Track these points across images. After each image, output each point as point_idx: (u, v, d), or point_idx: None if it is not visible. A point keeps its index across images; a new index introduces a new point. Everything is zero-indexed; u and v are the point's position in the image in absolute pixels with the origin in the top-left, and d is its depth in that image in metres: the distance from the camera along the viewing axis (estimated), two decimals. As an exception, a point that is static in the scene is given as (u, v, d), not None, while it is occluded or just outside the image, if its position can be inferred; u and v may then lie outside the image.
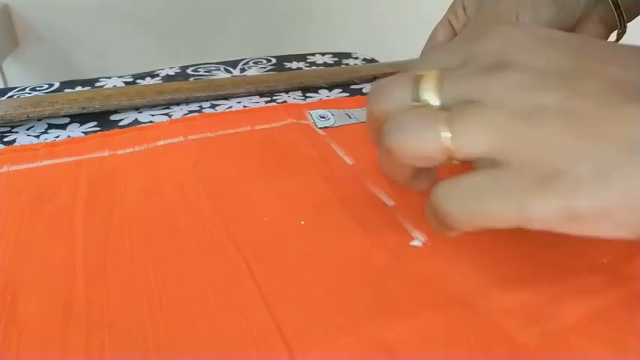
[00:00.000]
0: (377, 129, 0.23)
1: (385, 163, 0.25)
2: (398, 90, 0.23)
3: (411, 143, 0.21)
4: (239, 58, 0.54)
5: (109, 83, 0.48)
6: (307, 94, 0.45)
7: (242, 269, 0.25)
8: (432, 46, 0.37)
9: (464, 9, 0.37)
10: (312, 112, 0.40)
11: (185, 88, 0.44)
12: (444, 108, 0.21)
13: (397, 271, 0.24)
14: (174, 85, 0.45)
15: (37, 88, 0.47)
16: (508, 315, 0.22)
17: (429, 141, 0.20)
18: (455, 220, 0.20)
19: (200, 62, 0.52)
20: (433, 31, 0.38)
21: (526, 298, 0.22)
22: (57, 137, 0.38)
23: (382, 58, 0.54)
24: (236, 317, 0.22)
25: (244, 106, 0.43)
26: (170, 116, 0.41)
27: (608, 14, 0.33)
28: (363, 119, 0.36)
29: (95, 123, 0.41)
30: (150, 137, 0.37)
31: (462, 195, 0.20)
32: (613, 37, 0.34)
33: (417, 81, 0.22)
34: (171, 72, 0.51)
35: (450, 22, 0.37)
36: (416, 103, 0.22)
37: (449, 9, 0.38)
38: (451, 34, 0.36)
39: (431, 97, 0.22)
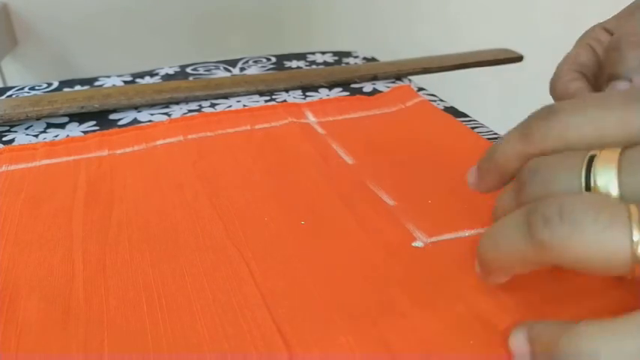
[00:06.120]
0: (517, 208, 0.19)
1: (501, 251, 0.19)
2: (564, 173, 0.18)
3: (584, 242, 0.16)
4: (238, 57, 0.54)
5: (108, 82, 0.48)
6: (307, 93, 0.45)
7: (242, 269, 0.25)
8: (575, 67, 0.31)
9: (609, 33, 0.31)
10: None
11: (184, 87, 0.44)
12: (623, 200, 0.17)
13: (397, 271, 0.24)
14: (173, 84, 0.45)
15: (36, 88, 0.47)
16: (508, 315, 0.22)
17: (611, 242, 0.16)
18: None
19: (199, 61, 0.52)
20: (570, 54, 0.32)
21: (526, 298, 0.22)
22: (56, 137, 0.38)
23: (383, 57, 0.54)
24: (236, 317, 0.22)
25: (244, 106, 0.43)
26: (169, 115, 0.41)
27: None
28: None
29: (94, 122, 0.41)
30: (149, 137, 0.37)
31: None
32: None
33: (590, 162, 0.18)
34: (171, 71, 0.51)
35: (591, 47, 0.32)
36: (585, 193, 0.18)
37: (585, 36, 0.33)
38: (595, 58, 0.31)
39: (610, 184, 0.17)
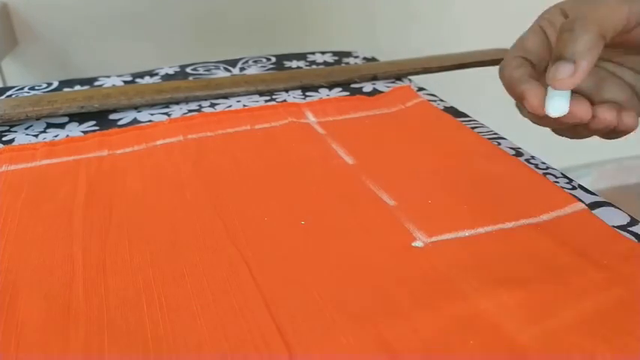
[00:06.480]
0: None
1: None
2: None
3: None
4: (238, 57, 0.54)
5: (108, 82, 0.48)
6: (307, 93, 0.45)
7: (242, 269, 0.25)
8: (520, 52, 0.33)
9: (564, 16, 0.33)
10: None
11: (184, 87, 0.44)
12: None
13: (397, 271, 0.24)
14: (173, 84, 0.45)
15: (36, 87, 0.47)
16: (508, 315, 0.22)
17: None
18: None
19: (199, 61, 0.52)
20: (520, 38, 0.34)
21: (526, 298, 0.22)
22: (56, 136, 0.38)
23: (382, 57, 0.54)
24: (236, 317, 0.22)
25: (244, 105, 0.43)
26: (169, 115, 0.41)
27: None
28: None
29: (94, 122, 0.41)
30: (149, 136, 0.37)
31: None
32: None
33: None
34: (171, 71, 0.51)
35: (542, 29, 0.33)
36: None
37: (540, 17, 0.34)
38: (543, 42, 0.33)
39: None
